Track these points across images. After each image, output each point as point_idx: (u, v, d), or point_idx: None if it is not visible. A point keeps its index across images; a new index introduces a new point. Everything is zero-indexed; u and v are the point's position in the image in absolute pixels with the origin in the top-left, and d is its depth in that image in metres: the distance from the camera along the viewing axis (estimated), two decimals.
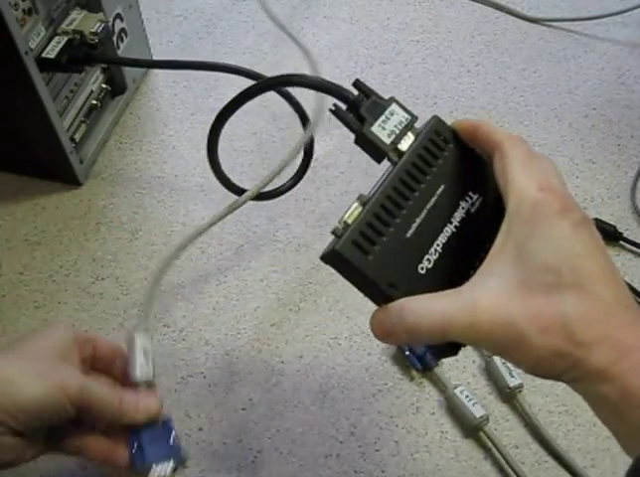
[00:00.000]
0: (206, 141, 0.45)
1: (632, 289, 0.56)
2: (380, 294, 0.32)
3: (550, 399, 0.50)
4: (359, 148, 0.56)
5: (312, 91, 0.38)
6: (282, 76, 0.39)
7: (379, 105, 0.35)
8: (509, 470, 0.47)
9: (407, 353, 0.50)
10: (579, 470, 0.46)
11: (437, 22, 0.79)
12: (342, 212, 0.32)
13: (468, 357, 0.52)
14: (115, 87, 0.67)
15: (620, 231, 0.59)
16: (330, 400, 0.50)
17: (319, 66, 0.47)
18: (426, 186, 0.34)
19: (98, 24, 0.57)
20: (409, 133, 0.35)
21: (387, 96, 0.37)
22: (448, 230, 0.34)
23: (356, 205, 0.33)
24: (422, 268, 0.33)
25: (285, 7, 0.81)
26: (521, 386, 0.49)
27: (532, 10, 0.80)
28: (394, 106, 0.35)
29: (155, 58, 0.74)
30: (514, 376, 0.49)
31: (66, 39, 0.56)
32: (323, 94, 0.38)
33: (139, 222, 0.61)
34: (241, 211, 0.61)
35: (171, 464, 0.39)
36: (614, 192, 0.63)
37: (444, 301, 0.30)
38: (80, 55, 0.56)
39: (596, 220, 0.59)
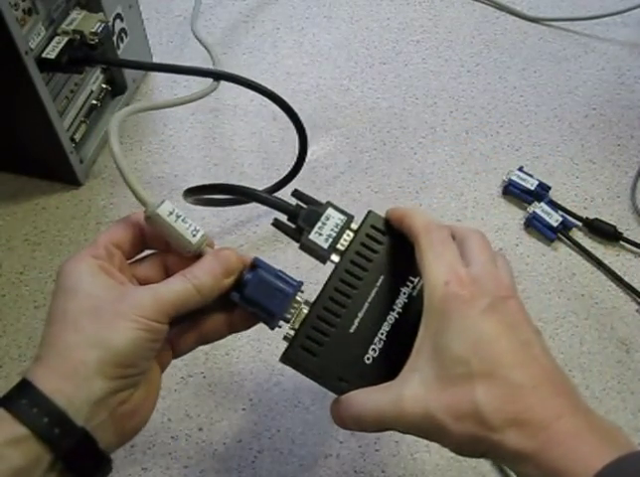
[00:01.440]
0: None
1: (632, 289, 0.56)
2: (333, 388, 0.35)
3: None
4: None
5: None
6: (233, 187, 0.40)
7: (315, 213, 0.37)
8: (509, 470, 0.46)
9: None
10: None
11: (437, 22, 0.79)
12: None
13: None
14: (115, 87, 0.67)
15: (620, 231, 0.59)
16: (330, 400, 0.50)
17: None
18: (366, 280, 0.36)
19: (98, 24, 0.57)
20: (347, 232, 0.37)
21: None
22: (391, 317, 0.36)
23: (303, 307, 0.36)
24: (369, 358, 0.35)
25: (285, 7, 0.81)
26: None
27: (532, 10, 0.80)
28: (329, 211, 0.38)
29: (155, 58, 0.74)
30: None
31: (66, 39, 0.55)
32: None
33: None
34: (242, 210, 0.61)
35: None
36: (614, 192, 0.63)
37: (378, 395, 0.33)
38: (81, 55, 0.56)
39: (596, 220, 0.59)
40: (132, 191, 0.37)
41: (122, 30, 0.65)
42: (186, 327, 0.37)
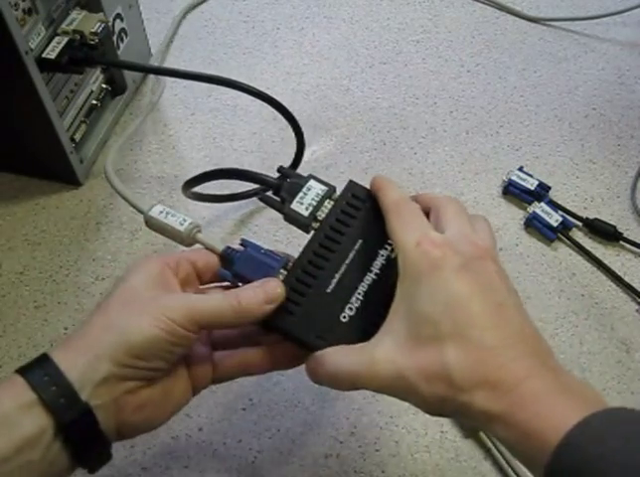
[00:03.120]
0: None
1: (632, 289, 0.56)
2: (310, 346, 0.35)
3: None
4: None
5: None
6: (222, 170, 0.44)
7: (297, 184, 0.39)
8: (509, 470, 0.46)
9: None
10: None
11: (437, 22, 0.79)
12: None
13: None
14: (115, 88, 0.67)
15: (620, 231, 0.59)
16: (330, 400, 0.50)
17: None
18: (344, 244, 0.37)
19: (98, 24, 0.57)
20: (328, 201, 0.39)
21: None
22: (369, 278, 0.37)
23: (281, 271, 0.37)
24: (345, 317, 0.36)
25: (285, 7, 0.81)
26: None
27: (532, 10, 0.80)
28: (311, 182, 0.39)
29: (155, 58, 0.74)
30: None
31: (66, 39, 0.56)
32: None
33: (139, 222, 0.60)
34: (242, 211, 0.61)
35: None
36: (614, 192, 0.63)
37: (352, 356, 0.33)
38: (81, 56, 0.56)
39: (596, 220, 0.59)
40: (130, 204, 0.44)
41: (122, 30, 0.65)
42: (230, 354, 0.38)
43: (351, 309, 0.36)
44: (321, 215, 0.38)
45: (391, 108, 0.70)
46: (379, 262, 0.37)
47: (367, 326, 0.35)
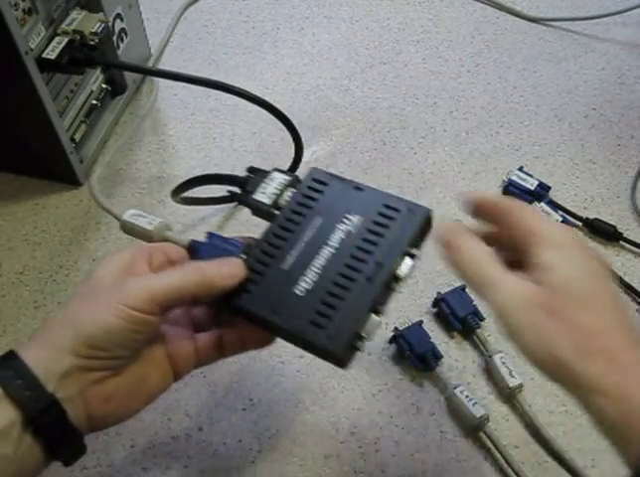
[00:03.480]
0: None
1: (632, 289, 0.56)
2: (267, 322, 0.36)
3: (550, 400, 0.50)
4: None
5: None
6: (195, 178, 0.48)
7: (260, 177, 0.41)
8: (509, 470, 0.46)
9: (408, 353, 0.50)
10: (579, 470, 0.46)
11: (437, 22, 0.79)
12: None
13: (468, 357, 0.52)
14: (115, 88, 0.67)
15: (620, 231, 0.59)
16: (330, 400, 0.50)
17: None
18: (303, 224, 0.38)
19: (98, 24, 0.57)
20: (290, 189, 0.40)
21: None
22: (326, 251, 0.36)
23: (242, 256, 0.38)
24: (301, 290, 0.36)
25: (285, 7, 0.81)
26: (521, 386, 0.49)
27: (532, 10, 0.80)
28: (274, 174, 0.41)
29: (155, 58, 0.74)
30: (514, 376, 0.49)
31: (66, 39, 0.56)
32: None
33: (139, 219, 0.60)
34: (242, 211, 0.61)
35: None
36: (614, 192, 0.63)
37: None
38: (81, 56, 0.56)
39: (596, 220, 0.59)
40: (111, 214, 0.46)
41: (122, 30, 0.65)
42: (207, 335, 0.39)
43: (307, 282, 0.36)
44: (283, 202, 0.39)
45: (391, 108, 0.70)
46: (337, 237, 0.37)
47: (325, 296, 0.35)
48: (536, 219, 0.36)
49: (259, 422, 0.49)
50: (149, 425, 0.49)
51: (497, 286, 0.34)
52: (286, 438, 0.49)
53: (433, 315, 0.54)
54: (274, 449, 0.48)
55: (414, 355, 0.50)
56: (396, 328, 0.51)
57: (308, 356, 0.53)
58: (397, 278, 0.36)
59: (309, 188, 0.39)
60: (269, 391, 0.51)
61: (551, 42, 0.77)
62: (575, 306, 0.32)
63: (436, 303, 0.54)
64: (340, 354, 0.34)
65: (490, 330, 0.53)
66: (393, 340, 0.52)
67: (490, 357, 0.51)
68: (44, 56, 0.54)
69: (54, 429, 0.32)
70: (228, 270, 0.36)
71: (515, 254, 0.36)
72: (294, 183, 0.40)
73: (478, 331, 0.52)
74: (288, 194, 0.40)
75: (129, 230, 0.42)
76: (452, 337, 0.53)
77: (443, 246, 0.37)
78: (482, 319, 0.53)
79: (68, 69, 0.56)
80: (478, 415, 0.47)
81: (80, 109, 0.62)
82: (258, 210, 0.40)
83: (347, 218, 0.37)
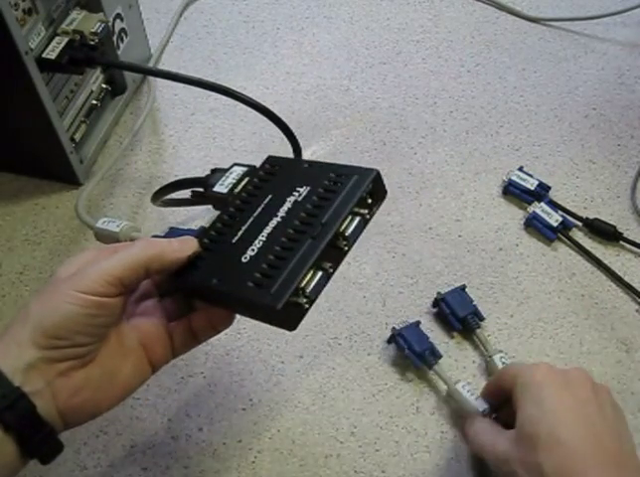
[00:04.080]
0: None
1: (632, 289, 0.56)
2: (214, 296, 0.37)
3: None
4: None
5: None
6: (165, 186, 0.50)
7: (220, 173, 0.42)
8: None
9: (407, 351, 0.50)
10: None
11: (437, 22, 0.79)
12: None
13: (468, 357, 0.52)
14: (115, 87, 0.67)
15: (620, 231, 0.59)
16: (330, 400, 0.50)
17: None
18: (254, 203, 0.39)
19: (98, 24, 0.57)
20: (247, 178, 0.41)
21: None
22: (274, 221, 0.37)
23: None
24: (246, 258, 0.36)
25: (285, 7, 0.81)
26: None
27: (532, 10, 0.80)
28: (233, 168, 0.42)
29: (155, 58, 0.74)
30: None
31: (66, 39, 0.55)
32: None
33: (139, 222, 0.61)
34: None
35: None
36: (614, 192, 0.63)
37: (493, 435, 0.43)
38: (81, 56, 0.56)
39: (596, 220, 0.59)
40: (86, 225, 0.51)
41: (122, 30, 0.65)
42: (179, 324, 0.39)
43: (253, 250, 0.36)
44: (238, 189, 0.41)
45: (391, 108, 0.70)
46: (285, 208, 0.37)
47: (268, 259, 0.35)
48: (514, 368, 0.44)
49: (259, 422, 0.49)
50: (149, 425, 0.49)
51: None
52: (286, 438, 0.49)
53: (433, 315, 0.54)
54: (274, 449, 0.48)
55: (414, 353, 0.50)
56: (394, 328, 0.52)
57: (308, 355, 0.53)
58: (343, 237, 0.36)
59: (263, 171, 0.41)
60: (269, 391, 0.51)
61: (551, 42, 0.77)
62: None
63: (436, 303, 0.54)
64: (280, 309, 0.33)
65: (490, 330, 0.54)
66: (391, 339, 0.52)
67: (490, 357, 0.51)
68: (44, 56, 0.54)
69: (24, 424, 0.32)
70: (178, 244, 0.37)
71: None
72: (251, 172, 0.41)
73: (478, 331, 0.52)
74: (245, 183, 0.41)
75: (101, 236, 0.45)
76: (452, 337, 0.53)
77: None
78: (482, 319, 0.53)
79: (68, 69, 0.56)
80: (481, 409, 0.46)
81: (81, 109, 0.62)
82: (217, 200, 0.41)
83: (296, 190, 0.38)
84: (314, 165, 0.40)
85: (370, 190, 0.37)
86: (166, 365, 0.39)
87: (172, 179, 0.64)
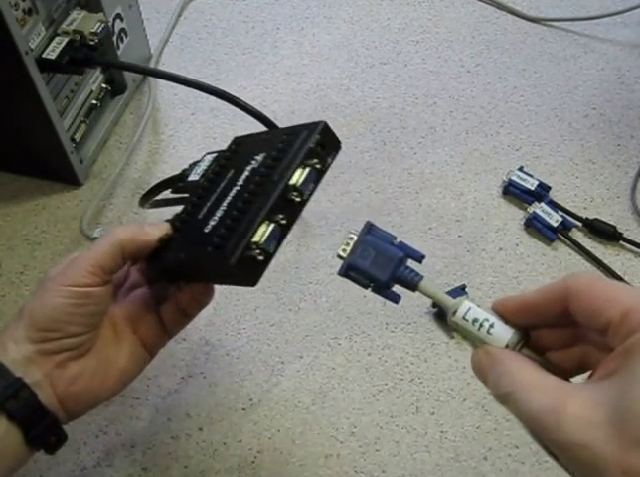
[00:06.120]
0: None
1: None
2: (182, 269, 0.38)
3: None
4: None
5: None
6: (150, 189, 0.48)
7: (194, 164, 0.43)
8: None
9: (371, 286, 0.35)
10: None
11: (437, 22, 0.79)
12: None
13: (468, 357, 0.52)
14: (115, 87, 0.67)
15: (620, 231, 0.59)
16: (330, 400, 0.50)
17: None
18: (217, 180, 0.40)
19: (98, 24, 0.57)
20: (215, 162, 0.42)
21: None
22: (233, 191, 0.38)
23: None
24: (207, 227, 0.37)
25: (285, 7, 0.81)
26: None
27: (532, 10, 0.80)
28: (206, 157, 0.43)
29: (155, 58, 0.74)
30: None
31: (66, 39, 0.56)
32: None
33: (139, 222, 0.61)
34: None
35: None
36: (614, 192, 0.63)
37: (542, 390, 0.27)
38: (81, 56, 0.56)
39: (596, 220, 0.59)
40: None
41: (122, 30, 0.65)
42: (167, 305, 0.40)
43: (214, 220, 0.37)
44: (211, 175, 0.41)
45: (391, 108, 0.70)
46: (243, 176, 0.38)
47: (225, 223, 0.36)
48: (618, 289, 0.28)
49: (259, 422, 0.49)
50: (149, 425, 0.49)
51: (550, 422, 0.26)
52: (286, 438, 0.49)
53: (433, 315, 0.54)
54: (274, 449, 0.48)
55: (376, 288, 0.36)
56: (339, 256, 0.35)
57: (308, 356, 0.53)
58: (295, 188, 0.36)
59: (228, 152, 0.42)
60: (269, 391, 0.51)
61: (551, 42, 0.77)
62: None
63: (436, 303, 0.54)
64: (235, 265, 0.33)
65: None
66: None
67: None
68: (44, 56, 0.54)
69: (27, 412, 0.34)
70: (149, 227, 0.39)
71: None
72: (219, 156, 0.42)
73: None
74: (213, 166, 0.42)
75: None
76: (452, 337, 0.53)
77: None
78: None
79: (68, 69, 0.56)
80: (508, 340, 0.34)
81: (81, 109, 0.62)
82: (192, 189, 0.41)
83: (254, 159, 0.39)
84: (271, 132, 0.41)
85: (318, 141, 0.37)
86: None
87: None
